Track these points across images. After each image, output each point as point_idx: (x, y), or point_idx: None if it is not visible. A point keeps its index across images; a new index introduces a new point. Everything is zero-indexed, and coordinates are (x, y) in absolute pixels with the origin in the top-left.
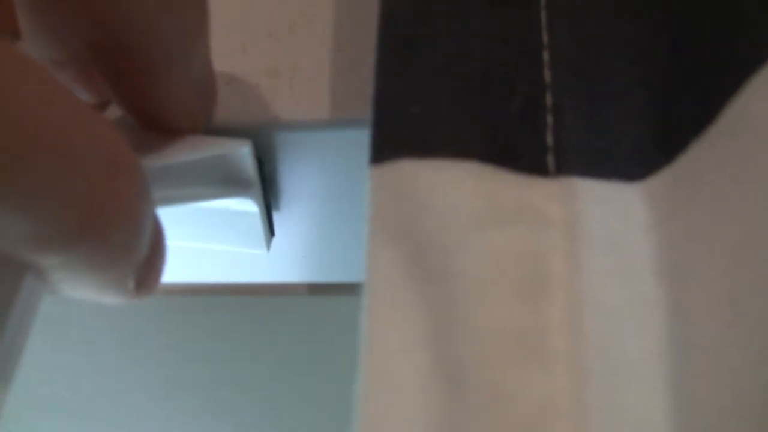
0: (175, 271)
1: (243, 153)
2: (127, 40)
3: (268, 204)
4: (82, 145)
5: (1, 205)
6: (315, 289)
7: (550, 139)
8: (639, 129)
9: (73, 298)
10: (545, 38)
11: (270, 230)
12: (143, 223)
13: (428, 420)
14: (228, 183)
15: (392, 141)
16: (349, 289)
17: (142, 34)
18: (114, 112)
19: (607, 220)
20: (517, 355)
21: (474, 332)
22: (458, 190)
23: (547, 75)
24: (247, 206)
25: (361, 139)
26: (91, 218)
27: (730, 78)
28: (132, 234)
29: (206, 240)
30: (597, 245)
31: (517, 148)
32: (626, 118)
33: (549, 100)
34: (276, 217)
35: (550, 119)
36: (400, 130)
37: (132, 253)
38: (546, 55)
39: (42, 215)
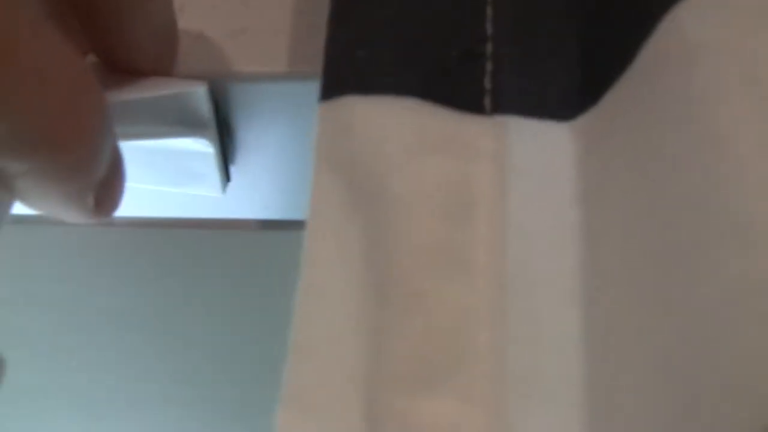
0: (132, 206)
1: (199, 92)
2: None
3: (224, 148)
4: (45, 64)
5: None
6: (265, 225)
7: (488, 83)
8: (571, 75)
9: (41, 213)
10: None
11: (226, 175)
12: (102, 142)
13: (356, 324)
14: (185, 122)
15: (338, 80)
16: (298, 225)
17: None
18: None
19: (535, 152)
20: (442, 267)
21: (403, 247)
22: (395, 121)
23: (489, 27)
24: (204, 148)
25: (316, 91)
26: (53, 129)
27: (646, 22)
28: (91, 150)
29: (164, 183)
30: (523, 174)
31: (456, 89)
32: (560, 67)
33: (489, 49)
34: (234, 168)
35: (489, 66)
36: (346, 71)
37: (90, 167)
38: (489, 10)
39: (5, 123)
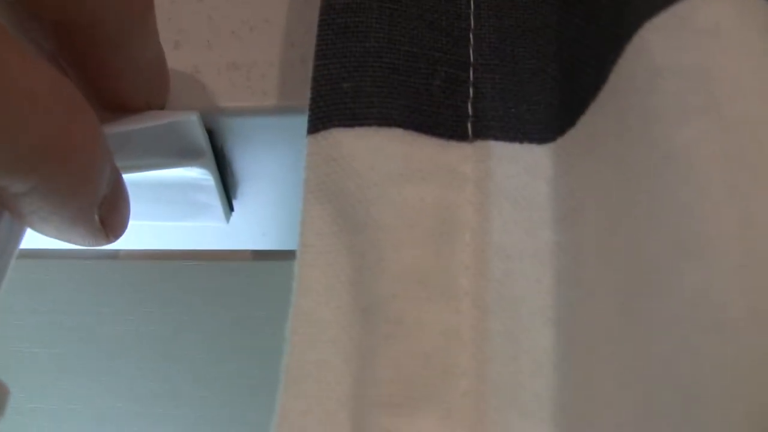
0: (136, 239)
1: (191, 121)
2: (81, 19)
3: (225, 178)
4: (36, 85)
5: None
6: (259, 255)
7: (469, 109)
8: (552, 99)
9: (48, 238)
10: (472, 24)
11: (229, 204)
12: (99, 157)
13: (345, 350)
14: (180, 152)
15: (325, 113)
16: (291, 255)
17: (93, 14)
18: None
19: (516, 175)
20: (426, 292)
21: (388, 272)
22: (379, 151)
23: (471, 55)
24: (204, 177)
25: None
26: (50, 145)
27: (618, 43)
28: (89, 165)
29: (171, 218)
30: (505, 198)
31: (438, 117)
32: (541, 91)
33: (471, 76)
34: (236, 202)
35: (471, 92)
36: (333, 104)
37: (91, 183)
38: (471, 38)
39: (2, 142)
